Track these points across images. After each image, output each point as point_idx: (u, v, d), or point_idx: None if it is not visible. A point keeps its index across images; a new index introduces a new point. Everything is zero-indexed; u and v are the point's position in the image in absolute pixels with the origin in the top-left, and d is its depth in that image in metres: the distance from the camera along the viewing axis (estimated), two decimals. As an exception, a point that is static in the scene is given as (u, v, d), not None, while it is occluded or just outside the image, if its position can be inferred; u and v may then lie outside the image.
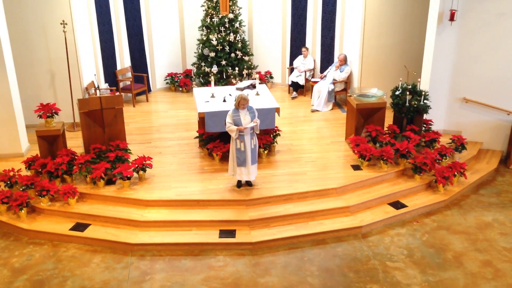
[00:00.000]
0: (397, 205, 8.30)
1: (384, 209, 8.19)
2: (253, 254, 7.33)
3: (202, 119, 9.22)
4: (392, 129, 9.54)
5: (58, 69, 10.50)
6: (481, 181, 9.29)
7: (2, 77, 9.01)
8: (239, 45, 12.46)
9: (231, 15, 12.22)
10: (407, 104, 9.37)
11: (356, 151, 9.08)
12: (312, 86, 12.03)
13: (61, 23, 10.03)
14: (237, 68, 12.43)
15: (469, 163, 9.53)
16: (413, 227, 7.94)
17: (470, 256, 7.22)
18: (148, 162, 8.66)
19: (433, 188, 8.76)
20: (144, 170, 8.63)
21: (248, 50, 12.70)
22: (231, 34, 12.29)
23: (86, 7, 10.93)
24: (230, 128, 7.93)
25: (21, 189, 8.25)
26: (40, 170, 8.62)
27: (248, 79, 12.43)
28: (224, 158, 9.13)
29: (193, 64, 12.88)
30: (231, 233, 7.59)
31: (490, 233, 7.74)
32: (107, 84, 11.94)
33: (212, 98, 9.74)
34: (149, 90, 12.83)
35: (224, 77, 12.40)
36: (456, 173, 8.70)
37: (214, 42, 12.22)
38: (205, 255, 7.32)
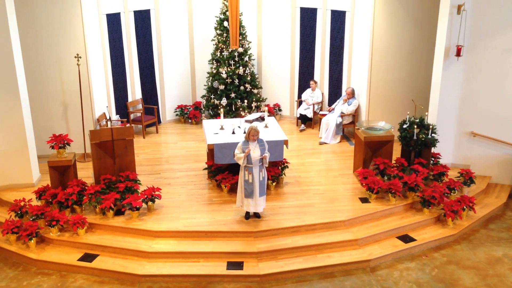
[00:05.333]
0: (406, 238, 8.25)
1: (392, 243, 8.14)
2: (260, 286, 7.28)
3: (211, 151, 9.32)
4: (400, 162, 9.56)
5: (71, 101, 10.72)
6: (491, 216, 9.23)
7: (17, 109, 9.22)
8: (248, 78, 12.65)
9: (240, 49, 12.46)
10: (415, 137, 9.42)
11: (364, 184, 9.09)
12: (320, 119, 12.13)
13: (75, 56, 10.29)
14: (246, 101, 12.58)
15: (478, 197, 9.49)
16: (422, 261, 7.87)
17: (481, 291, 7.14)
18: (157, 193, 8.73)
19: (442, 222, 8.71)
20: (153, 201, 8.69)
21: (257, 83, 12.89)
22: (241, 67, 12.50)
23: (100, 40, 11.21)
24: (238, 156, 8.01)
25: (31, 219, 8.32)
26: (50, 200, 8.70)
27: (257, 112, 12.57)
28: (233, 189, 9.17)
29: (203, 96, 13.06)
30: (239, 265, 7.56)
31: (500, 269, 7.66)
32: (118, 115, 12.13)
33: (221, 130, 9.86)
34: (159, 121, 13.00)
35: (233, 109, 12.56)
36: (465, 207, 8.66)
37: (224, 75, 12.43)
38: (212, 287, 7.28)
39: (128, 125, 11.38)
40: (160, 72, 12.83)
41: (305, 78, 13.01)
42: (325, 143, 11.75)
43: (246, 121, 10.36)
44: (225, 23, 12.32)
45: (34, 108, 10.14)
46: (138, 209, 8.46)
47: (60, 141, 9.03)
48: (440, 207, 8.82)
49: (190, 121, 13.23)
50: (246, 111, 12.55)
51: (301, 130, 12.61)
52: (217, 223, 8.29)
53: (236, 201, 8.47)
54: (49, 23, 10.22)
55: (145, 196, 8.62)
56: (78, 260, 7.74)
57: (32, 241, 7.98)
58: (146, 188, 8.83)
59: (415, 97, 11.05)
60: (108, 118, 11.25)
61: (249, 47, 12.73)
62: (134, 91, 12.50)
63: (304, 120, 12.71)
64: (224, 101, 12.19)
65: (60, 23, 10.27)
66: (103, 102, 11.43)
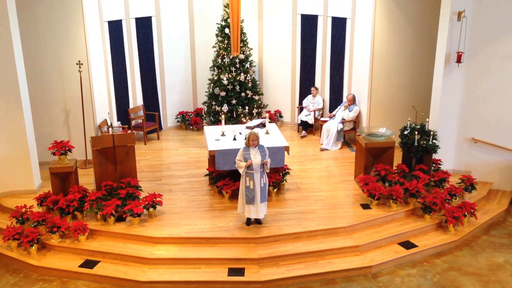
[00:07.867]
0: (407, 245, 8.24)
1: (394, 249, 8.13)
2: (262, 293, 7.27)
3: (212, 157, 9.33)
4: (401, 169, 9.56)
5: (72, 107, 10.75)
6: (492, 222, 9.22)
7: (18, 116, 9.25)
8: (249, 84, 12.68)
9: (241, 56, 12.49)
10: (416, 143, 9.43)
11: (365, 190, 9.09)
12: (321, 125, 12.15)
13: (77, 63, 10.33)
14: (247, 107, 12.61)
15: (479, 203, 9.48)
16: (424, 267, 7.86)
17: (482, 298, 7.11)
18: (158, 199, 8.73)
19: (444, 228, 8.70)
20: (154, 207, 8.69)
21: (258, 89, 12.92)
22: (242, 74, 12.53)
23: (101, 47, 11.26)
24: (239, 164, 8.03)
25: (32, 225, 8.32)
26: (51, 206, 8.71)
27: (258, 118, 12.59)
28: (234, 196, 9.17)
29: (204, 103, 13.09)
30: (240, 272, 7.55)
31: (502, 275, 7.64)
32: (119, 122, 12.16)
33: (222, 137, 9.88)
34: (161, 128, 13.02)
35: (234, 116, 12.58)
36: (466, 213, 8.65)
37: (225, 82, 12.46)
38: (213, 294, 7.28)
39: (129, 131, 11.42)
40: (161, 79, 12.87)
41: (306, 84, 13.03)
42: (326, 149, 11.75)
43: (247, 127, 10.38)
44: (226, 30, 12.36)
45: (36, 115, 10.17)
46: (139, 215, 8.47)
47: (62, 148, 9.04)
48: (441, 213, 8.82)
49: (191, 127, 13.25)
50: (247, 117, 12.57)
51: (302, 137, 12.62)
52: (218, 229, 8.29)
53: (237, 207, 8.47)
54: (51, 30, 10.27)
55: (146, 202, 8.62)
56: (79, 266, 7.73)
57: (33, 247, 7.98)
58: (147, 194, 8.84)
59: (416, 103, 11.07)
60: (109, 124, 11.27)
61: (250, 53, 12.77)
62: (136, 98, 12.53)
63: (305, 126, 12.72)
64: (225, 108, 12.22)
65: (62, 30, 10.32)
66: (104, 108, 11.46)
